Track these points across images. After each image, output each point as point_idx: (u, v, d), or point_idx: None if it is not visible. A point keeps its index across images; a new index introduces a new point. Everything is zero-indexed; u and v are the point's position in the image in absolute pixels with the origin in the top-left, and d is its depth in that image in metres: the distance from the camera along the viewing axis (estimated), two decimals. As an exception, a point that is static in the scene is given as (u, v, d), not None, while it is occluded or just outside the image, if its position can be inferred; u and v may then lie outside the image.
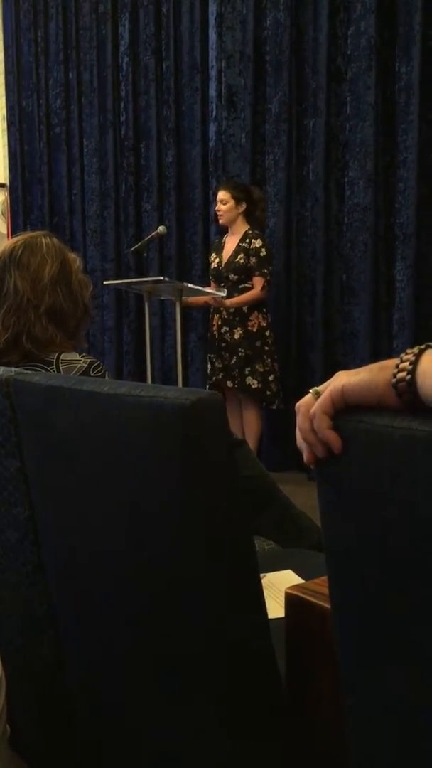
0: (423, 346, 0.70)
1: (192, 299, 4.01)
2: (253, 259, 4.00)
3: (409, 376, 0.68)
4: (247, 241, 4.04)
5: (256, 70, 4.45)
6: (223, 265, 4.09)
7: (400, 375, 0.69)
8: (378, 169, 3.89)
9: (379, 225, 3.91)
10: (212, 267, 4.18)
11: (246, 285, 4.03)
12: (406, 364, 0.68)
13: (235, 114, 4.54)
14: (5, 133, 6.36)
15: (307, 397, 0.76)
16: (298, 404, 0.77)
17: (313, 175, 4.22)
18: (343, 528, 0.77)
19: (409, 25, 3.68)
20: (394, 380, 0.69)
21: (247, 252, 4.02)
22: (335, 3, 4.04)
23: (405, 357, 0.69)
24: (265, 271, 4.01)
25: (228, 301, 3.96)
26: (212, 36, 4.61)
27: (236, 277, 4.03)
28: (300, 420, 0.76)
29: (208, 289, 4.01)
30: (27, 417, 1.17)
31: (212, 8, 4.58)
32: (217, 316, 4.11)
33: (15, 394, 1.17)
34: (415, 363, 0.68)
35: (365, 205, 3.94)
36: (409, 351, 0.70)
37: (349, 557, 0.77)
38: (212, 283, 4.20)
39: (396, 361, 0.70)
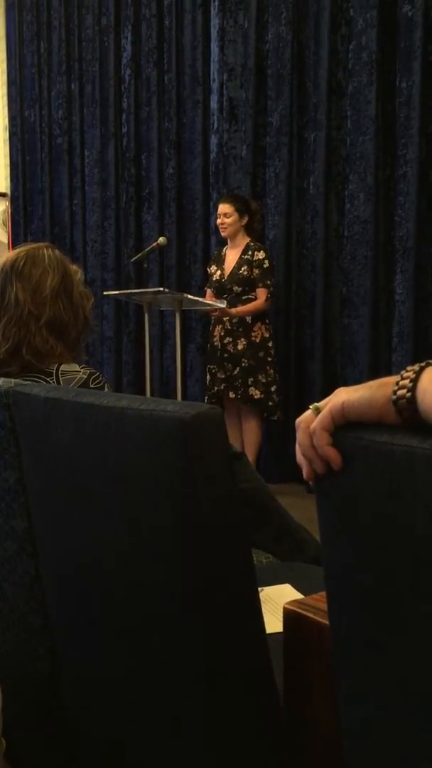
0: (423, 364, 0.70)
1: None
2: (257, 271, 4.02)
3: (409, 394, 0.68)
4: (250, 253, 4.05)
5: (258, 84, 4.48)
6: (225, 277, 4.11)
7: (401, 392, 0.69)
8: (378, 182, 3.91)
9: (379, 238, 3.92)
10: (213, 279, 4.19)
11: (249, 296, 4.04)
12: (407, 381, 0.69)
13: (236, 126, 4.57)
14: (7, 143, 6.39)
15: (307, 413, 0.76)
16: (298, 420, 0.77)
17: (313, 188, 4.23)
18: (342, 544, 0.76)
19: (409, 40, 3.71)
20: (394, 397, 0.69)
21: (251, 264, 4.03)
22: (336, 18, 4.07)
23: (405, 374, 0.69)
24: (268, 282, 4.04)
25: (233, 310, 3.98)
26: (214, 49, 4.64)
27: (240, 288, 4.05)
28: (300, 436, 0.76)
29: (208, 300, 4.02)
30: (26, 428, 1.17)
31: (214, 22, 4.62)
32: (219, 327, 4.12)
33: (14, 405, 1.17)
34: (415, 381, 0.68)
35: (365, 219, 3.95)
36: (409, 368, 0.70)
37: (348, 573, 0.77)
38: (208, 294, 4.21)
39: (396, 378, 0.70)
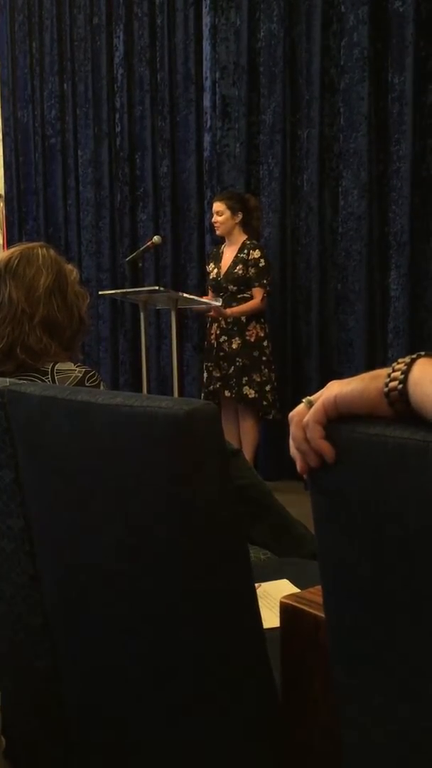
0: (414, 356, 0.70)
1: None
2: (252, 270, 4.02)
3: (401, 386, 0.68)
4: (246, 251, 4.05)
5: (250, 81, 4.48)
6: (222, 276, 4.10)
7: (392, 384, 0.69)
8: (372, 178, 3.91)
9: (373, 234, 3.93)
10: (211, 277, 4.19)
11: (245, 295, 4.04)
12: (398, 373, 0.69)
13: (229, 124, 4.57)
14: (0, 144, 6.38)
15: (300, 407, 0.76)
16: (291, 414, 0.77)
17: (307, 185, 4.23)
18: (337, 537, 0.77)
19: (401, 36, 3.71)
20: (386, 389, 0.70)
21: (246, 263, 4.03)
22: (328, 14, 4.07)
23: (397, 366, 0.70)
24: (265, 282, 4.03)
25: (228, 311, 3.98)
26: (206, 47, 4.63)
27: (235, 287, 4.04)
28: (293, 429, 0.76)
29: (203, 299, 4.02)
30: (22, 427, 1.17)
31: (206, 20, 4.61)
32: (215, 326, 4.12)
33: (9, 404, 1.18)
34: (406, 372, 0.68)
35: (359, 215, 3.95)
36: (400, 360, 0.70)
37: (343, 566, 0.77)
38: (210, 293, 4.21)
39: (388, 370, 0.71)
